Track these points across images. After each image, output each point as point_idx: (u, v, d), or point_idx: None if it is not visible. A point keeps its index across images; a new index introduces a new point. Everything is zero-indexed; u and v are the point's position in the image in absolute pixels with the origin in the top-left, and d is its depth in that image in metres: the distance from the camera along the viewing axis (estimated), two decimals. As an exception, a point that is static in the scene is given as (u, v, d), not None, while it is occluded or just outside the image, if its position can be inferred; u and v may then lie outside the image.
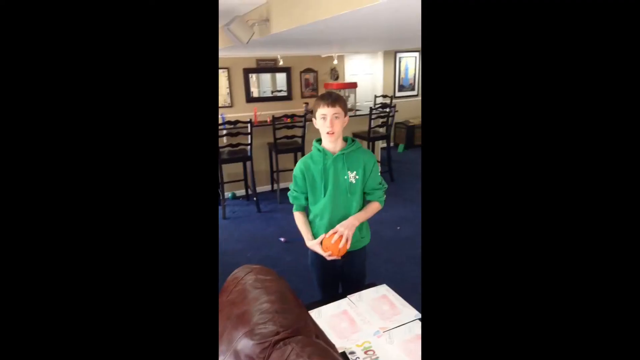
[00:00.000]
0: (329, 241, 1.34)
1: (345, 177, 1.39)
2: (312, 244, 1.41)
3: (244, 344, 0.67)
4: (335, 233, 1.34)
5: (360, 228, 1.45)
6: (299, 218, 1.50)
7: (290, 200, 1.51)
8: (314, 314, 1.26)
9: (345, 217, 1.41)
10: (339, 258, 1.36)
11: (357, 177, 1.40)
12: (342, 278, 1.55)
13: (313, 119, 1.40)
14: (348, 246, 1.34)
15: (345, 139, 1.42)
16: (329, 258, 1.35)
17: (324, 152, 1.39)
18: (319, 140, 1.43)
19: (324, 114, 1.33)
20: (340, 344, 1.12)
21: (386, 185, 1.49)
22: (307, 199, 1.47)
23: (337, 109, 1.32)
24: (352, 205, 1.41)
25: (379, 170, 1.48)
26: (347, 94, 5.20)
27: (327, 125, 1.33)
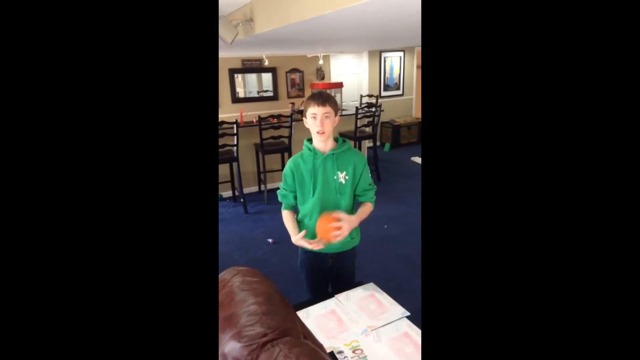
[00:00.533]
0: (326, 224, 1.28)
1: (335, 177, 1.39)
2: (298, 239, 1.39)
3: (232, 347, 0.66)
4: (335, 220, 1.28)
5: None
6: (286, 215, 1.48)
7: (279, 199, 1.50)
8: (302, 314, 1.26)
9: None
10: (323, 245, 1.33)
11: (346, 177, 1.39)
12: (332, 278, 1.55)
13: (304, 118, 1.40)
14: (338, 240, 1.30)
15: (335, 139, 1.42)
16: (311, 245, 1.32)
17: (314, 152, 1.39)
18: (310, 140, 1.43)
19: (315, 114, 1.32)
20: (328, 344, 1.12)
21: (375, 187, 1.50)
22: (295, 197, 1.46)
23: (328, 109, 1.32)
24: (341, 206, 1.41)
25: (369, 171, 1.48)
26: (333, 94, 5.22)
27: (318, 124, 1.33)
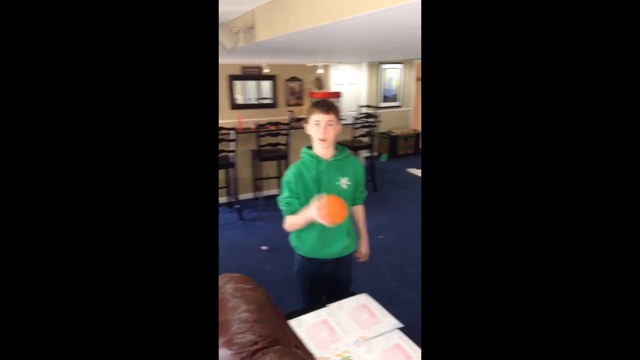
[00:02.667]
0: (335, 205, 1.25)
1: (337, 182, 1.42)
2: (312, 210, 1.30)
3: (223, 354, 0.66)
4: (341, 203, 1.29)
5: (348, 234, 1.49)
6: (290, 219, 1.43)
7: (283, 207, 1.44)
8: (294, 323, 1.25)
9: None
10: (333, 223, 1.29)
11: (348, 182, 1.44)
12: (328, 285, 1.55)
13: (306, 124, 1.43)
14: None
15: (335, 147, 1.46)
16: (325, 220, 1.28)
17: (317, 159, 1.41)
18: (309, 147, 1.45)
19: (318, 121, 1.36)
20: (319, 354, 1.11)
21: (366, 192, 1.60)
22: (301, 204, 1.44)
23: (331, 117, 1.36)
24: None
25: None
26: (331, 103, 5.24)
27: (321, 131, 1.36)
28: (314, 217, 1.29)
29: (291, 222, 1.43)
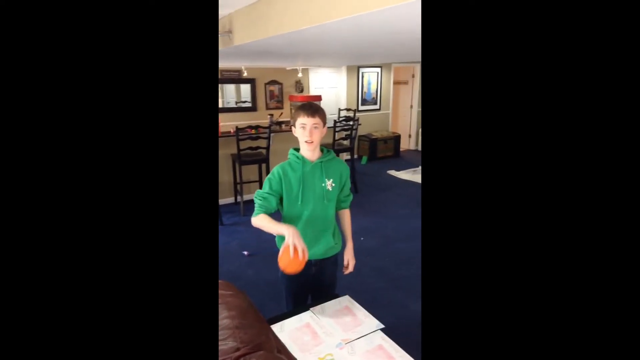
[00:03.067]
0: (295, 260, 1.23)
1: (323, 184, 1.43)
2: (295, 234, 1.27)
3: (203, 362, 0.65)
4: (299, 253, 1.24)
5: (333, 235, 1.49)
6: (263, 218, 1.39)
7: (258, 203, 1.42)
8: (276, 328, 1.25)
9: (322, 223, 1.43)
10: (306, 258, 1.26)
11: (333, 184, 1.45)
12: (313, 287, 1.55)
13: (292, 127, 1.44)
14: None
15: (321, 149, 1.48)
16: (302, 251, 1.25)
17: (302, 160, 1.42)
18: (297, 149, 1.46)
19: (304, 124, 1.37)
20: (302, 358, 1.11)
21: (352, 195, 1.59)
22: (277, 202, 1.43)
23: (317, 120, 1.37)
24: (328, 212, 1.46)
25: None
26: (311, 107, 5.25)
27: (307, 134, 1.37)
28: (285, 236, 1.27)
29: (261, 223, 1.39)
